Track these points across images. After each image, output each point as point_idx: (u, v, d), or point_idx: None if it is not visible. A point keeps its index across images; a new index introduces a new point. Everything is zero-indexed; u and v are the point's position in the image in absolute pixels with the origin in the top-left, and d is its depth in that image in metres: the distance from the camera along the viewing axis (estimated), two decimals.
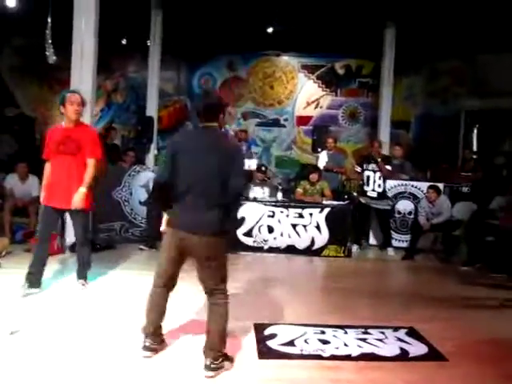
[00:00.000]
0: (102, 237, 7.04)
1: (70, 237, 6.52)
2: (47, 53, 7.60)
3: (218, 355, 3.09)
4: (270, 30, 10.84)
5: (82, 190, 4.47)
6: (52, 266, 5.66)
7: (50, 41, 7.65)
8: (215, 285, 3.15)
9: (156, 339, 3.31)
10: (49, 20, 7.62)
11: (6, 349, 3.30)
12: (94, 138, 4.70)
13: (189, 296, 4.25)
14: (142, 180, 7.40)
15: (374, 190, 7.42)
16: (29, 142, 11.69)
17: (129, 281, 5.15)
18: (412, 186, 7.81)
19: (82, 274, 4.84)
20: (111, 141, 9.34)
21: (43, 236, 4.72)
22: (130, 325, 3.78)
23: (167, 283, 3.25)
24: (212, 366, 3.05)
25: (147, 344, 3.27)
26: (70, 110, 4.52)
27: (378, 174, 7.39)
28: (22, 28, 10.88)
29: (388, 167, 7.47)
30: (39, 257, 4.62)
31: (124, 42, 11.48)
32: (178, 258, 3.20)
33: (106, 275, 5.36)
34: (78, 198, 4.46)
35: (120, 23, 9.90)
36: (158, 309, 3.27)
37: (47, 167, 4.68)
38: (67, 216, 6.59)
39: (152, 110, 10.49)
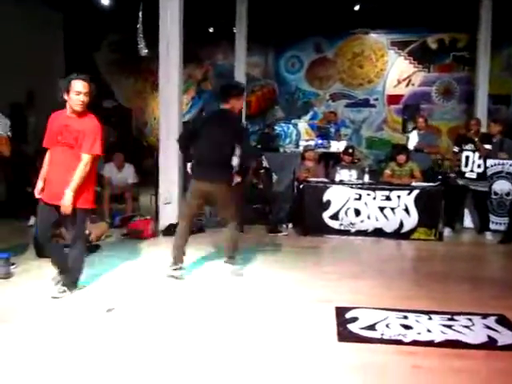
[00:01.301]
0: (193, 221, 7.31)
1: (163, 220, 6.92)
2: (139, 46, 8.01)
3: (231, 256, 4.86)
4: (357, 7, 10.59)
5: (68, 192, 3.86)
6: (147, 248, 6.05)
7: (141, 34, 8.06)
8: (230, 217, 4.75)
9: (181, 258, 4.75)
10: (140, 14, 8.01)
11: (101, 326, 3.58)
12: (96, 131, 4.01)
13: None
14: None
15: (472, 171, 7.06)
16: (126, 132, 12.40)
17: (215, 263, 5.31)
18: (510, 164, 7.32)
19: (66, 281, 4.15)
20: None
21: (39, 234, 4.29)
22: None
23: (190, 220, 4.87)
24: (229, 260, 4.85)
25: (176, 267, 4.70)
26: (74, 101, 3.90)
27: (478, 153, 7.03)
28: (117, 24, 11.49)
29: (488, 146, 7.07)
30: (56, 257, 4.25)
31: (211, 30, 11.75)
32: (199, 201, 4.77)
33: (196, 256, 5.57)
34: (66, 202, 3.87)
35: (206, 12, 10.16)
36: (184, 236, 4.80)
37: (47, 157, 4.11)
38: (160, 200, 7.05)
39: None
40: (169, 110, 6.96)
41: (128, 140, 12.29)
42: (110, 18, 11.21)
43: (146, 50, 8.14)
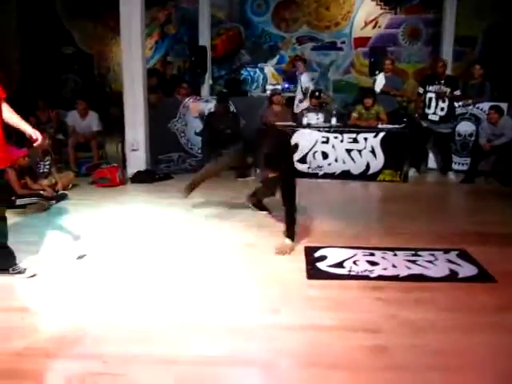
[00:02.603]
0: (161, 167, 7.31)
1: (131, 168, 6.85)
2: None
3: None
4: None
5: None
6: (115, 196, 6.02)
7: None
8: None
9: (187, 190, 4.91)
10: None
11: (72, 272, 3.60)
12: None
13: None
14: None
15: (435, 114, 7.15)
16: (88, 79, 12.00)
17: (188, 208, 5.34)
18: (476, 107, 7.45)
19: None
20: (169, 75, 9.41)
21: None
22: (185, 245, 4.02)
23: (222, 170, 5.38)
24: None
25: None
26: None
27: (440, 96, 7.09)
28: None
29: (457, 92, 7.13)
30: None
31: None
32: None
33: (167, 204, 5.58)
34: None
35: None
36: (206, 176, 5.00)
37: None
38: (127, 147, 6.97)
39: (204, 39, 10.42)
40: (132, 55, 6.76)
41: (91, 87, 11.92)
42: None
43: None
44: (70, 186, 6.26)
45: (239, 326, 2.82)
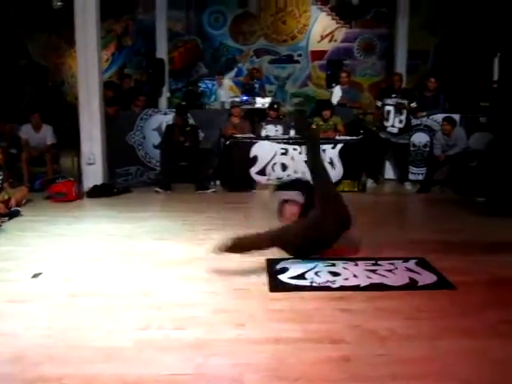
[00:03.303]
0: (119, 181, 7.18)
1: (87, 182, 6.70)
2: None
3: None
4: None
5: None
6: (72, 211, 5.86)
7: None
8: None
9: None
10: None
11: (28, 291, 3.46)
12: None
13: None
14: (154, 123, 7.44)
15: (393, 126, 7.31)
16: (42, 91, 11.72)
17: (146, 222, 5.24)
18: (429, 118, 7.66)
19: None
20: (126, 88, 9.29)
21: None
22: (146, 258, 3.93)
23: None
24: None
25: None
26: None
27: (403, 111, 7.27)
28: None
29: (413, 105, 7.32)
30: None
31: None
32: None
33: (123, 218, 5.47)
34: None
35: None
36: None
37: None
38: (82, 161, 6.82)
39: (162, 51, 10.37)
40: (88, 67, 6.65)
41: (45, 99, 11.64)
42: None
43: (60, 3, 7.64)
44: (24, 201, 6.05)
45: (203, 342, 2.75)
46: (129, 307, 3.20)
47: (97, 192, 6.61)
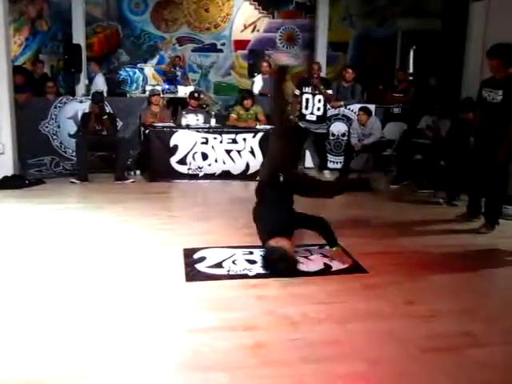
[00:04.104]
0: (31, 172, 6.83)
1: None
2: None
3: None
4: None
5: None
6: None
7: None
8: None
9: None
10: None
11: None
12: None
13: None
14: (69, 112, 7.14)
15: (312, 114, 7.41)
16: None
17: (61, 215, 5.03)
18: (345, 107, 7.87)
19: None
20: (39, 74, 8.84)
21: None
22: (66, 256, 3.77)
23: None
24: None
25: None
26: None
27: (318, 97, 7.36)
28: None
29: (329, 91, 7.44)
30: None
31: None
32: None
33: (38, 210, 5.22)
34: None
35: None
36: None
37: None
38: None
39: (79, 37, 9.96)
40: None
41: None
42: None
43: None
44: None
45: (118, 335, 2.69)
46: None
47: (7, 184, 6.27)
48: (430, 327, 2.86)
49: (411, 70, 10.84)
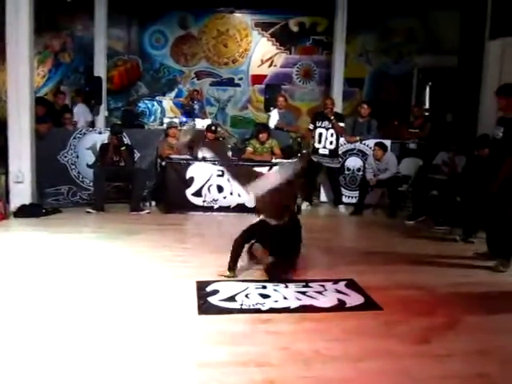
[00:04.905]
0: (49, 201, 6.91)
1: (15, 201, 6.42)
2: None
3: None
4: None
5: None
6: None
7: None
8: None
9: None
10: None
11: None
12: None
13: None
14: (88, 142, 7.27)
15: (325, 148, 7.47)
16: None
17: (76, 244, 5.07)
18: (362, 143, 7.90)
19: None
20: (60, 105, 9.04)
21: None
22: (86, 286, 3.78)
23: None
24: None
25: None
26: None
27: (331, 131, 7.44)
28: None
29: (341, 124, 7.52)
30: None
31: None
32: None
33: (53, 239, 5.26)
34: None
35: None
36: None
37: None
38: (10, 179, 6.53)
39: (100, 69, 10.19)
40: (18, 82, 6.42)
41: None
42: None
43: None
44: None
45: (128, 368, 2.66)
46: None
47: (25, 212, 6.34)
48: (445, 367, 2.79)
49: (427, 106, 10.87)
